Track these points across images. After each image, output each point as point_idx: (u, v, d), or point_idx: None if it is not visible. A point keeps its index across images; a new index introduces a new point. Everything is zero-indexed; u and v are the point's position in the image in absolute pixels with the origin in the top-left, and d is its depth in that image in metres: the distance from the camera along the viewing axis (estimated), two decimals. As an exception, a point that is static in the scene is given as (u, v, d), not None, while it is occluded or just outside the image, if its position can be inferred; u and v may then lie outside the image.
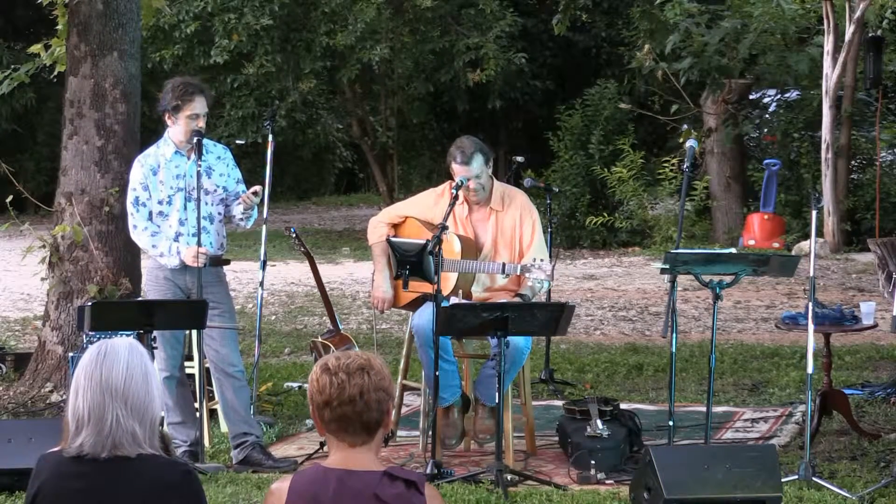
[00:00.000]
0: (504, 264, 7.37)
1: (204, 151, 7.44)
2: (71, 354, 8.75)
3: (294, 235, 8.71)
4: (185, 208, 7.47)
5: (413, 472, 3.60)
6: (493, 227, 7.60)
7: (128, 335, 7.05)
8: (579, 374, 10.05)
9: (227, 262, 7.66)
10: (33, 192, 11.25)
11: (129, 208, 7.53)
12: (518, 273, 7.36)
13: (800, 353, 10.14)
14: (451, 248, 7.41)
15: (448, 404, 7.41)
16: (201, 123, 7.42)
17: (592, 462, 7.07)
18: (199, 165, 7.32)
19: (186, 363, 8.06)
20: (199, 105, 7.42)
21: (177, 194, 7.49)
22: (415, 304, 7.54)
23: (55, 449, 3.66)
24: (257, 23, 20.42)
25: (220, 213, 7.58)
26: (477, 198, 7.56)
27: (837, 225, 17.38)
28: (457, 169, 7.50)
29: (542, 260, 7.32)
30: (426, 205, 7.70)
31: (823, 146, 17.33)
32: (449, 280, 7.37)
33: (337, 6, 21.14)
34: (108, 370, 3.55)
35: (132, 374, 3.56)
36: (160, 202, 7.49)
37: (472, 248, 7.53)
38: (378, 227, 7.80)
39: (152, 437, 3.60)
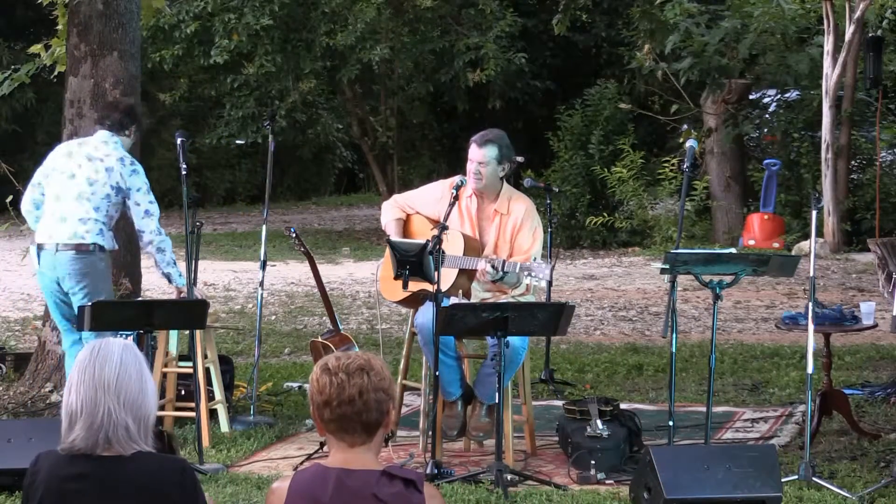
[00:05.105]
0: (504, 261, 7.33)
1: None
2: (71, 354, 8.74)
3: (294, 235, 8.70)
4: None
5: (411, 471, 3.60)
6: (496, 228, 7.61)
7: (128, 335, 7.05)
8: (579, 374, 10.04)
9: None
10: (33, 192, 11.19)
11: None
12: (517, 272, 7.32)
13: (800, 353, 10.13)
14: (455, 246, 7.42)
15: (454, 398, 7.44)
16: None
17: (592, 462, 7.06)
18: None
19: (183, 363, 8.07)
20: None
21: None
22: (413, 302, 7.54)
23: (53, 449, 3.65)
24: (257, 23, 20.42)
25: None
26: (475, 185, 7.57)
27: (837, 225, 17.39)
28: (470, 150, 7.58)
29: (538, 262, 7.32)
30: (434, 197, 7.72)
31: (823, 146, 17.33)
32: (449, 275, 7.36)
33: (337, 6, 21.14)
34: (101, 366, 3.56)
35: (126, 369, 3.57)
36: None
37: (475, 248, 7.54)
38: (391, 209, 7.86)
39: (146, 434, 3.59)
